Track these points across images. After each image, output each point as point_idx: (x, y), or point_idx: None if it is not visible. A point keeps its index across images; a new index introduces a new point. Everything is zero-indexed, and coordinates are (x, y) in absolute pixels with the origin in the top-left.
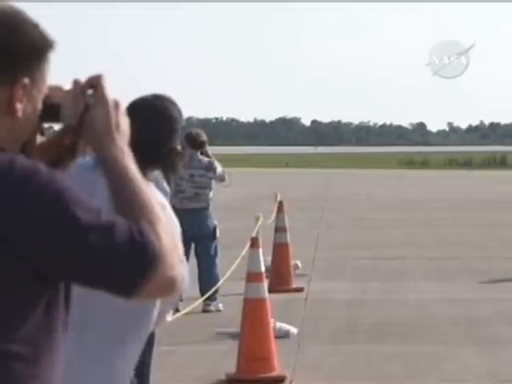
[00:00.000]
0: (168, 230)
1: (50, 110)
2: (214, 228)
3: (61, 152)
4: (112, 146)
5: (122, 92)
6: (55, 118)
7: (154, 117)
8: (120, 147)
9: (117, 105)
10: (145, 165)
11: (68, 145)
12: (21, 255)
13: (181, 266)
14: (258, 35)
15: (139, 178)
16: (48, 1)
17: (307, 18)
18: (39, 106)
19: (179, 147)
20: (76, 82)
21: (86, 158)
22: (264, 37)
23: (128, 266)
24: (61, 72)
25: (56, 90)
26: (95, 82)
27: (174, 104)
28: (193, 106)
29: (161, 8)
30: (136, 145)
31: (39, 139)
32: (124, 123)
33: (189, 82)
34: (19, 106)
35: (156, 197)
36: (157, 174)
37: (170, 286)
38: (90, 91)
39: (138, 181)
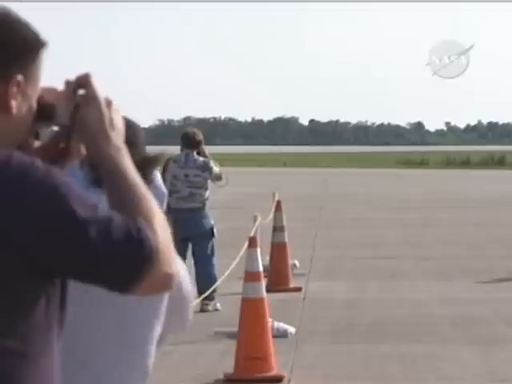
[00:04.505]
0: (165, 226)
1: (45, 111)
2: (211, 228)
3: (57, 153)
4: (107, 145)
5: (121, 91)
6: (50, 119)
7: None
8: (115, 145)
9: (109, 102)
10: None
11: (64, 146)
12: (20, 252)
13: (177, 263)
14: (256, 35)
15: (136, 176)
16: (49, 1)
17: (305, 17)
18: (34, 105)
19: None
20: (68, 83)
21: (88, 173)
22: (262, 37)
23: (125, 262)
24: (60, 73)
25: (50, 91)
26: (84, 82)
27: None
28: (191, 105)
29: (160, 8)
30: None
31: (36, 144)
32: (118, 120)
33: (187, 81)
34: (14, 104)
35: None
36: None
37: (166, 283)
38: (81, 91)
39: (135, 178)
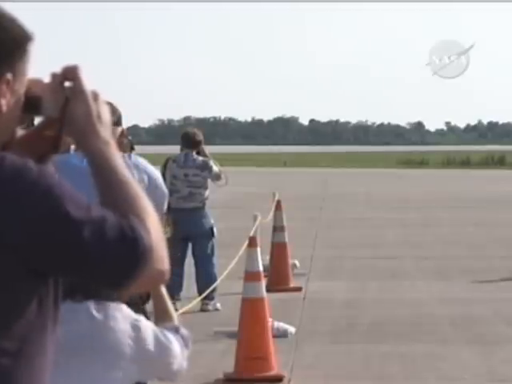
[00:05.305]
0: (157, 224)
1: (31, 103)
2: (211, 227)
3: (43, 146)
4: (95, 139)
5: (121, 91)
6: (36, 111)
7: None
8: (104, 139)
9: (96, 96)
10: None
11: (50, 138)
12: (14, 253)
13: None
14: (256, 35)
15: (126, 171)
16: (49, 0)
17: (305, 18)
18: (21, 98)
19: None
20: (54, 75)
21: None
22: (262, 37)
23: (120, 261)
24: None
25: (37, 83)
26: (72, 74)
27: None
28: (190, 105)
29: (160, 8)
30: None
31: (19, 132)
32: (105, 113)
33: (187, 81)
34: (3, 102)
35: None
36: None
37: (158, 279)
38: (68, 84)
39: (125, 174)
